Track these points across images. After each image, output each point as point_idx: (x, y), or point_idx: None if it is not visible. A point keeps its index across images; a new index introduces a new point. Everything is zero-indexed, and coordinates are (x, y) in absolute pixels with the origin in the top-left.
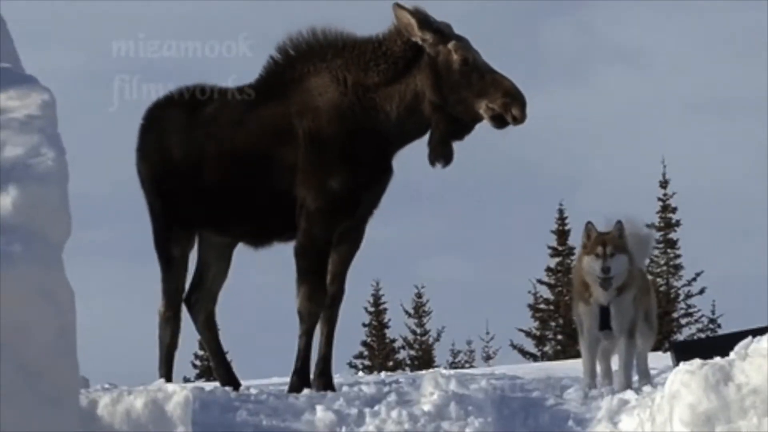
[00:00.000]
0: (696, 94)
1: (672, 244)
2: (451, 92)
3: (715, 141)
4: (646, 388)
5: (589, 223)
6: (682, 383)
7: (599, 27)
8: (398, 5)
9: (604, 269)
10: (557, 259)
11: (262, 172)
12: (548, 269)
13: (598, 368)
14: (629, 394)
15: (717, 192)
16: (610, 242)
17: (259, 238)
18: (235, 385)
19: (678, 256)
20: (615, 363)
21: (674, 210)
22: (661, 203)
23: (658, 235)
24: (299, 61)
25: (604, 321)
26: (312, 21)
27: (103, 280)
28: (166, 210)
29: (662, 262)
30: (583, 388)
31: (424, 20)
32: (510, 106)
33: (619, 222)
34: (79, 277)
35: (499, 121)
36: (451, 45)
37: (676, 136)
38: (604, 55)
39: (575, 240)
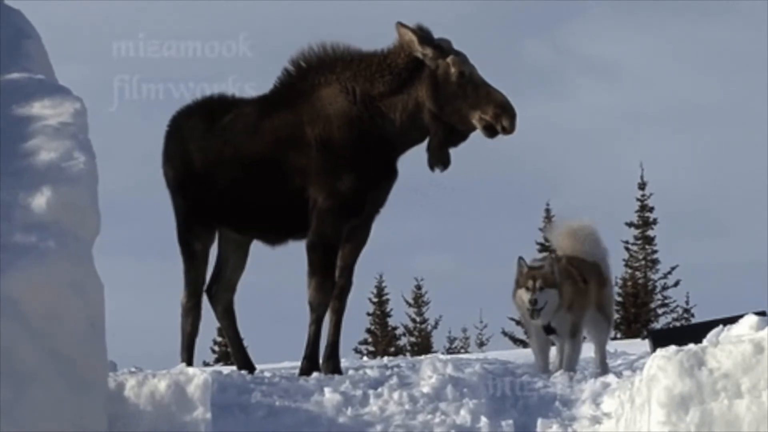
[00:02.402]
0: (665, 103)
1: (649, 240)
2: (447, 103)
3: (687, 145)
4: (626, 372)
5: (520, 258)
6: (659, 368)
7: (573, 42)
8: (400, 23)
9: (531, 301)
10: (544, 254)
11: (276, 175)
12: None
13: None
14: (611, 378)
15: (690, 192)
16: (539, 277)
17: (274, 237)
18: (251, 368)
19: (655, 252)
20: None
21: (651, 209)
22: (639, 203)
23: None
24: (311, 72)
25: (548, 330)
26: (312, 21)
27: (130, 273)
28: (189, 209)
29: (641, 257)
30: (537, 372)
31: (425, 37)
32: (501, 118)
33: (550, 257)
34: (107, 270)
35: (491, 131)
36: (449, 59)
37: (651, 142)
38: (577, 67)
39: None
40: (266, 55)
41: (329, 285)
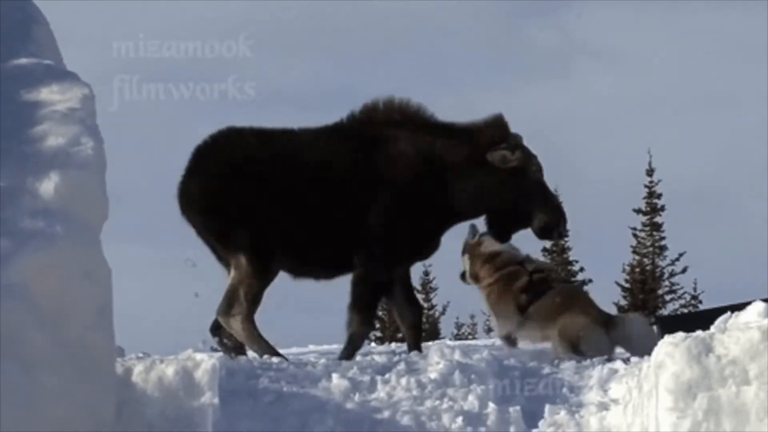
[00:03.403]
0: (673, 89)
1: (657, 227)
2: (519, 197)
3: (695, 132)
4: (634, 359)
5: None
6: (667, 354)
7: (579, 28)
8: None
9: None
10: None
11: (342, 210)
12: (544, 249)
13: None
14: (618, 364)
15: (698, 179)
16: None
17: (325, 272)
18: (277, 354)
19: (663, 238)
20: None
21: (659, 196)
22: (647, 189)
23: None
24: (389, 123)
25: None
26: (312, 21)
27: (138, 258)
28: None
29: (648, 243)
30: None
31: (518, 144)
32: (559, 224)
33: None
34: (115, 256)
35: (546, 234)
36: (534, 161)
37: (659, 128)
38: (583, 53)
39: (569, 223)
40: (266, 55)
41: (373, 320)
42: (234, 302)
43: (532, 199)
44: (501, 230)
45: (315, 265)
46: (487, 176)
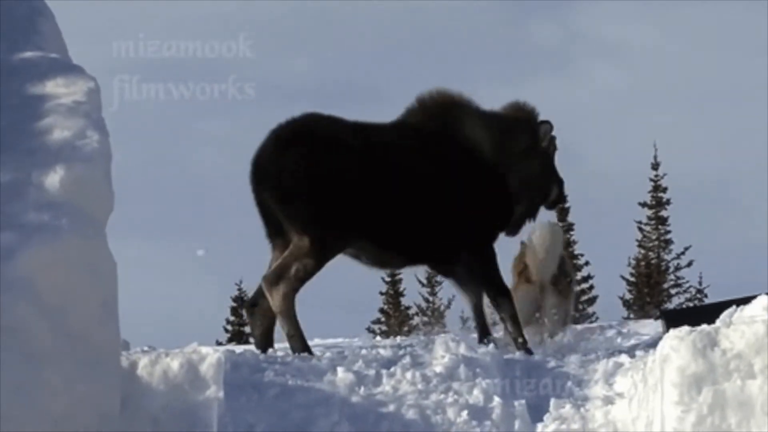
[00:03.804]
0: (678, 82)
1: (663, 220)
2: (551, 175)
3: (701, 125)
4: (639, 353)
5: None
6: (672, 348)
7: (583, 22)
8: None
9: None
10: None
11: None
12: None
13: None
14: (624, 358)
15: (704, 173)
16: None
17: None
18: (303, 341)
19: (668, 232)
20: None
21: (665, 189)
22: (652, 183)
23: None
24: (452, 113)
25: None
26: (312, 21)
27: (143, 252)
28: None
29: (654, 237)
30: None
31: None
32: (563, 193)
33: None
34: (120, 249)
35: (555, 204)
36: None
37: (664, 122)
38: (586, 47)
39: (574, 216)
40: (266, 55)
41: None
42: (284, 276)
43: (553, 174)
44: (519, 222)
45: (398, 252)
46: (534, 160)
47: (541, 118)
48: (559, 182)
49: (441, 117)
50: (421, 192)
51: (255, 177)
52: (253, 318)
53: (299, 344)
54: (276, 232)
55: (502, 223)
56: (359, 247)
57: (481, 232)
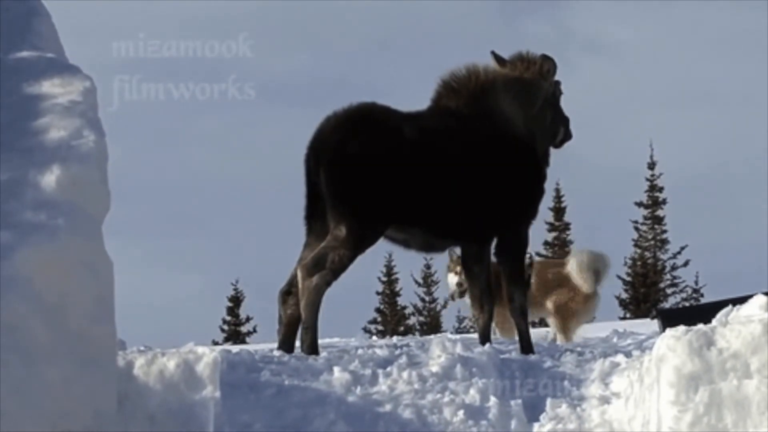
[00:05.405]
0: (673, 82)
1: (659, 220)
2: (558, 122)
3: (697, 125)
4: (635, 352)
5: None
6: (668, 347)
7: (575, 22)
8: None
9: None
10: (554, 234)
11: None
12: (546, 243)
13: None
14: (620, 357)
15: (700, 172)
16: None
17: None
18: (314, 341)
19: (664, 232)
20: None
21: (661, 189)
22: (648, 183)
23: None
24: (493, 92)
25: None
26: (312, 21)
27: (140, 251)
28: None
29: (650, 236)
30: None
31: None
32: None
33: None
34: (117, 249)
35: (561, 143)
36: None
37: (660, 122)
38: (580, 46)
39: (570, 216)
40: (266, 55)
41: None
42: (320, 265)
43: (560, 116)
44: None
45: (455, 238)
46: (547, 111)
47: (544, 53)
48: (565, 121)
49: (480, 100)
50: (469, 178)
51: (313, 156)
52: (285, 306)
53: (310, 338)
54: (315, 215)
55: (540, 196)
56: (411, 233)
57: (524, 210)
